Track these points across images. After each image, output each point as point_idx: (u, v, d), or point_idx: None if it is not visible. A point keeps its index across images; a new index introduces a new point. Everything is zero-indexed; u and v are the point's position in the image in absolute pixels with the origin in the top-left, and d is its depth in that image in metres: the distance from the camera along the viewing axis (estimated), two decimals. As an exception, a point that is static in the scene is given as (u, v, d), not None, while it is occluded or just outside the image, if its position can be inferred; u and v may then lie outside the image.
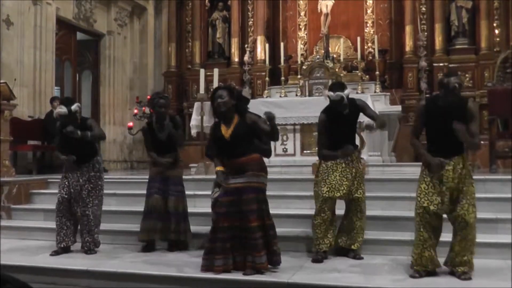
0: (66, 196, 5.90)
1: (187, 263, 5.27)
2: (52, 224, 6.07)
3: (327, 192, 5.21)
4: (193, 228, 6.15)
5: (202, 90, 9.19)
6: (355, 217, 5.36)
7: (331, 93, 5.25)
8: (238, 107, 4.99)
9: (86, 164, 5.92)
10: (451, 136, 4.39)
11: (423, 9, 11.87)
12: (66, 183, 5.92)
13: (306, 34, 13.04)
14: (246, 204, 4.72)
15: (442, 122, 4.49)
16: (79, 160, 5.88)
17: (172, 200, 5.91)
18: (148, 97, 12.65)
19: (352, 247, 5.34)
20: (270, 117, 4.69)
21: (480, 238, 5.31)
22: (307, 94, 10.47)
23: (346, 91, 5.27)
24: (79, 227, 5.96)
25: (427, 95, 10.42)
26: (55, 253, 5.85)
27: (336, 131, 5.36)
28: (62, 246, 5.88)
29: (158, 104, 5.91)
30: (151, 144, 6.11)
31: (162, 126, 5.98)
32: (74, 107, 5.78)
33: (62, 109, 5.73)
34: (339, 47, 11.71)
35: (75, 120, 5.80)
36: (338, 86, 5.39)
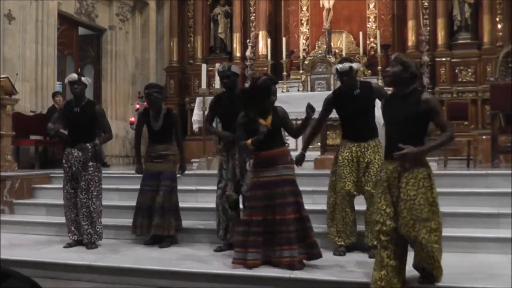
0: (72, 191, 5.97)
1: (189, 258, 5.29)
2: (54, 219, 6.12)
3: (342, 189, 5.16)
4: (195, 223, 6.17)
5: (204, 85, 9.18)
6: (368, 211, 5.14)
7: (339, 65, 5.19)
8: None
9: (85, 144, 5.90)
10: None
11: (426, 3, 11.83)
12: (68, 177, 5.96)
13: (308, 29, 13.01)
14: (281, 197, 4.68)
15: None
16: (78, 139, 5.90)
17: (160, 195, 5.89)
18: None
19: (372, 243, 4.97)
20: (313, 110, 4.71)
21: (482, 233, 5.35)
22: (309, 89, 10.46)
23: (354, 64, 5.18)
24: (81, 218, 5.96)
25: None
26: (69, 245, 5.96)
27: (347, 116, 5.24)
28: (74, 239, 5.99)
29: (148, 94, 5.95)
30: (141, 131, 6.18)
31: (158, 116, 5.99)
32: (84, 79, 5.93)
33: (73, 75, 5.87)
34: (341, 42, 11.69)
35: (83, 97, 5.93)
36: (346, 59, 5.36)
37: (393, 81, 3.98)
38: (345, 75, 5.17)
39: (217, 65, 5.68)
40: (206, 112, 8.91)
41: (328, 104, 5.35)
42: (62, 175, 6.14)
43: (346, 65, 5.14)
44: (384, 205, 3.93)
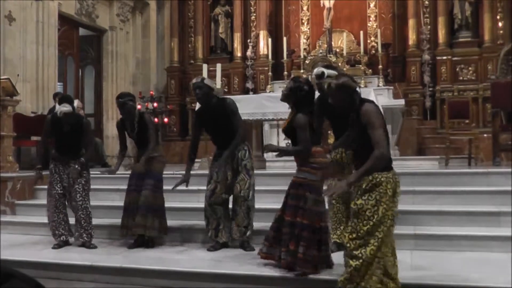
0: (61, 192, 6.05)
1: (190, 258, 5.30)
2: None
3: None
4: (196, 223, 6.17)
5: (205, 85, 9.15)
6: None
7: (315, 69, 5.24)
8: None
9: (74, 156, 6.01)
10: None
11: (426, 2, 11.84)
12: (58, 178, 6.04)
13: (309, 28, 13.01)
14: (289, 198, 4.68)
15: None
16: (68, 153, 6.02)
17: (143, 194, 5.86)
18: (151, 92, 12.75)
19: None
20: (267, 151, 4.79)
21: (483, 231, 5.34)
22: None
23: (329, 71, 5.15)
24: (76, 219, 6.02)
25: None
26: (58, 246, 5.99)
27: (332, 121, 5.30)
28: (62, 239, 6.03)
29: (119, 105, 5.97)
30: (124, 141, 6.24)
31: (132, 125, 6.01)
32: (76, 104, 6.04)
33: (66, 107, 5.84)
34: (342, 41, 11.69)
35: (73, 117, 5.96)
36: (326, 66, 5.39)
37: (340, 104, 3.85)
38: (318, 79, 5.21)
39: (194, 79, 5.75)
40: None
41: (318, 111, 5.38)
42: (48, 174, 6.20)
43: (320, 69, 5.20)
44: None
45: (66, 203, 6.11)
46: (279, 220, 4.70)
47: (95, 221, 6.14)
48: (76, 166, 5.93)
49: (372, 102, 3.83)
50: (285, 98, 4.77)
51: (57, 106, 5.99)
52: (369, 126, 3.62)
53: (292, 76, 4.91)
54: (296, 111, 4.66)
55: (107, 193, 7.22)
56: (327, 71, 5.14)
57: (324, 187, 4.69)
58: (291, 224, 4.56)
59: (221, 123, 5.53)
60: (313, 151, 4.61)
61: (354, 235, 3.65)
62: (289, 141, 4.96)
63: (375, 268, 3.63)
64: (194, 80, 5.72)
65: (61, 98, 6.12)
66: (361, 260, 3.61)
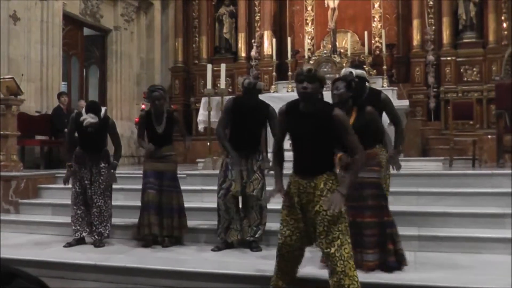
0: (79, 190, 6.06)
1: (194, 257, 5.30)
2: (60, 219, 6.14)
3: None
4: (200, 223, 6.17)
5: (209, 85, 9.18)
6: None
7: (342, 70, 5.17)
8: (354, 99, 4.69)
9: (97, 156, 6.06)
10: None
11: (431, 3, 11.83)
12: (78, 177, 6.06)
13: (313, 28, 13.00)
14: (361, 200, 4.62)
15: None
16: (91, 152, 6.05)
17: (165, 195, 5.91)
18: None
19: None
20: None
21: (487, 233, 5.33)
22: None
23: (357, 70, 5.01)
24: (92, 218, 6.07)
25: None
26: (69, 245, 6.00)
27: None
28: (77, 236, 6.05)
29: (154, 97, 5.93)
30: (144, 134, 6.18)
31: (160, 119, 6.01)
32: (103, 110, 6.03)
33: (94, 119, 5.85)
34: (346, 41, 11.69)
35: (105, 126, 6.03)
36: (356, 65, 5.33)
37: (311, 97, 3.66)
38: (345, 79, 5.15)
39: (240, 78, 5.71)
40: (211, 112, 8.95)
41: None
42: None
43: (348, 70, 5.02)
44: (293, 220, 3.77)
45: (89, 201, 6.08)
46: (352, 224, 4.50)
47: (98, 221, 6.15)
48: (112, 171, 6.03)
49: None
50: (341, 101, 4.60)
51: (84, 114, 5.91)
52: (344, 131, 3.62)
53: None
54: (358, 110, 4.59)
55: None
56: (355, 71, 5.02)
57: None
58: (376, 224, 4.55)
59: (256, 121, 5.59)
60: (376, 151, 4.68)
61: (330, 237, 3.58)
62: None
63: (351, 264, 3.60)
64: (246, 78, 5.70)
65: (88, 106, 6.00)
66: (340, 260, 3.55)
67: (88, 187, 6.02)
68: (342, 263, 3.51)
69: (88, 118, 5.83)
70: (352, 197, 4.46)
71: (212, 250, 5.61)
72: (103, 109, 6.07)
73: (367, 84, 5.14)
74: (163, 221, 5.87)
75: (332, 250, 3.54)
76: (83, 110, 5.97)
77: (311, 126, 3.64)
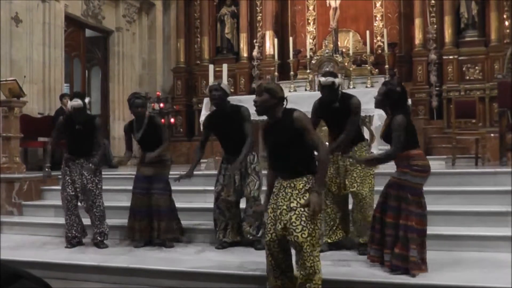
0: (73, 194, 6.07)
1: (197, 258, 5.30)
2: (63, 220, 6.14)
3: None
4: (203, 223, 6.17)
5: (211, 85, 9.17)
6: (356, 211, 5.29)
7: (322, 78, 5.25)
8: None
9: (86, 157, 6.06)
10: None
11: (432, 1, 11.80)
12: (69, 180, 6.07)
13: (315, 28, 13.00)
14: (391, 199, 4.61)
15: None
16: (80, 153, 6.06)
17: (154, 198, 5.93)
18: (158, 93, 12.79)
19: (360, 240, 5.26)
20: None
21: (491, 231, 5.32)
22: (316, 88, 10.42)
23: (337, 80, 5.21)
24: (90, 220, 6.09)
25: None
26: (71, 245, 6.07)
27: (330, 126, 5.43)
28: (75, 241, 6.09)
29: (134, 104, 5.96)
30: (131, 142, 6.25)
31: (140, 126, 6.03)
32: (87, 100, 6.07)
33: (77, 102, 5.89)
34: (348, 41, 11.66)
35: (85, 114, 6.04)
36: (330, 73, 5.42)
37: (264, 109, 3.91)
38: (326, 88, 5.22)
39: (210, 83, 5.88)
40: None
41: (314, 113, 5.43)
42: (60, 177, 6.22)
43: (329, 79, 5.18)
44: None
45: (79, 204, 6.14)
46: (379, 221, 4.59)
47: (102, 221, 6.16)
48: (90, 165, 5.97)
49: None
50: (379, 104, 4.70)
51: (69, 103, 6.02)
52: (304, 130, 3.80)
53: (384, 80, 4.93)
54: (392, 114, 4.58)
55: (114, 194, 7.22)
56: (337, 80, 5.23)
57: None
58: (394, 225, 4.50)
59: (234, 128, 5.58)
60: (412, 154, 4.57)
61: (310, 236, 3.73)
62: None
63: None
64: (211, 83, 5.82)
65: (73, 94, 6.28)
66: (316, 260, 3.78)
67: (78, 190, 6.04)
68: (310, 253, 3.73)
69: (72, 102, 5.90)
70: (397, 198, 4.49)
71: (216, 248, 5.68)
72: (86, 99, 6.11)
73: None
74: (153, 224, 5.91)
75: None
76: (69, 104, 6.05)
77: (280, 134, 3.87)
